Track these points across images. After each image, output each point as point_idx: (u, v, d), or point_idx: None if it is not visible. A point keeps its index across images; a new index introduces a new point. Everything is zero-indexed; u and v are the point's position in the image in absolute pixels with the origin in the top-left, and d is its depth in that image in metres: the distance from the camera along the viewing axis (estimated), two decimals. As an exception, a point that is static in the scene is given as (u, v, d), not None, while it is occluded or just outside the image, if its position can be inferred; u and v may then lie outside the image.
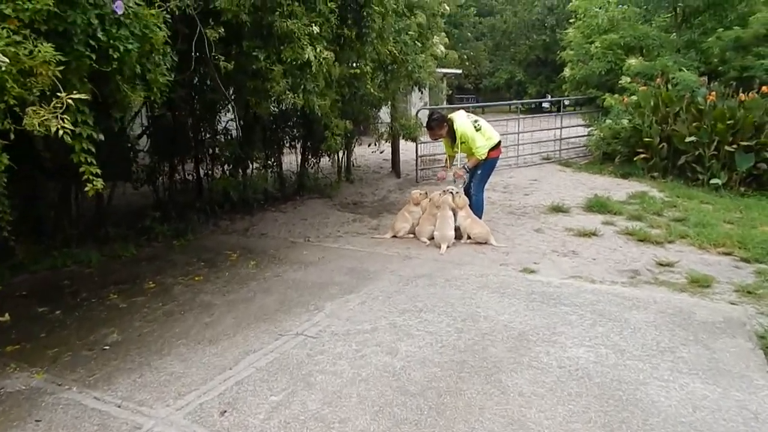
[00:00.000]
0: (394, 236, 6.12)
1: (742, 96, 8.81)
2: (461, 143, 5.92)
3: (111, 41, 3.06)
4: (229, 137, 7.09)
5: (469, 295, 4.29)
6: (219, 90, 5.02)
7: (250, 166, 7.51)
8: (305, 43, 4.58)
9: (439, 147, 8.68)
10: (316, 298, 4.32)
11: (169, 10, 3.63)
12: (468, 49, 32.90)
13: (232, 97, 5.53)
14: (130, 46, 3.13)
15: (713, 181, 8.63)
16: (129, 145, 6.21)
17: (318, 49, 4.69)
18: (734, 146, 8.56)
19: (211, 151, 6.95)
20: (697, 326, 3.69)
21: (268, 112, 5.26)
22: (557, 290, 4.37)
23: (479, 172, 6.07)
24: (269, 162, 7.82)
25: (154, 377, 3.20)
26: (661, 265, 4.97)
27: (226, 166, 7.09)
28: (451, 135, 5.98)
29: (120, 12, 3.04)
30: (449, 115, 6.05)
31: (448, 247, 5.60)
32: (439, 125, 5.96)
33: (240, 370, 3.24)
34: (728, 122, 8.60)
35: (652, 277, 4.71)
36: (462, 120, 5.93)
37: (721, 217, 6.66)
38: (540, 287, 4.45)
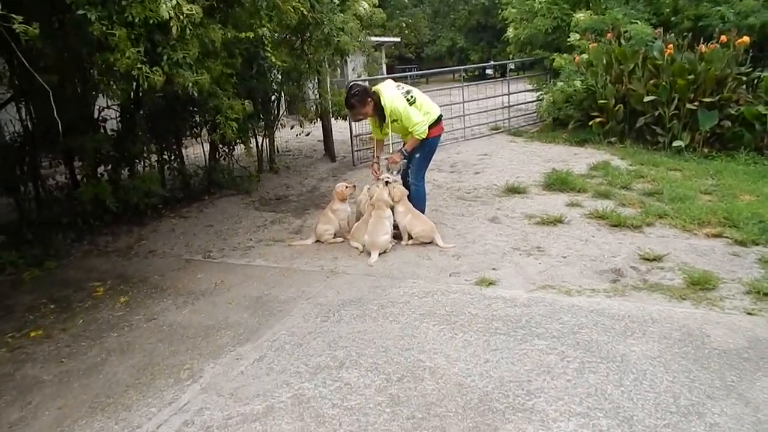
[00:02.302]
0: (318, 241, 4.90)
1: (702, 47, 7.96)
2: (392, 122, 4.64)
3: None
4: (104, 130, 5.60)
5: (410, 332, 3.14)
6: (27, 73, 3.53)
7: (139, 163, 6.03)
8: (159, -6, 3.22)
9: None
10: (196, 355, 3.06)
11: None
12: (406, 16, 31.47)
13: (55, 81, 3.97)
14: None
15: (675, 143, 7.83)
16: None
17: (175, 3, 3.31)
18: (696, 103, 7.75)
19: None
20: (719, 359, 2.68)
21: (123, 97, 3.86)
22: (525, 312, 3.28)
23: (417, 156, 4.80)
24: (165, 157, 6.35)
25: None
26: (647, 260, 3.98)
27: (102, 167, 5.59)
28: (379, 112, 4.63)
29: None
30: (374, 87, 4.75)
31: (382, 254, 4.44)
32: (362, 101, 4.53)
33: None
34: (689, 77, 7.76)
35: (639, 278, 3.71)
36: (391, 92, 4.61)
37: (695, 187, 5.80)
38: (502, 308, 3.35)
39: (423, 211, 4.84)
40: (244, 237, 5.27)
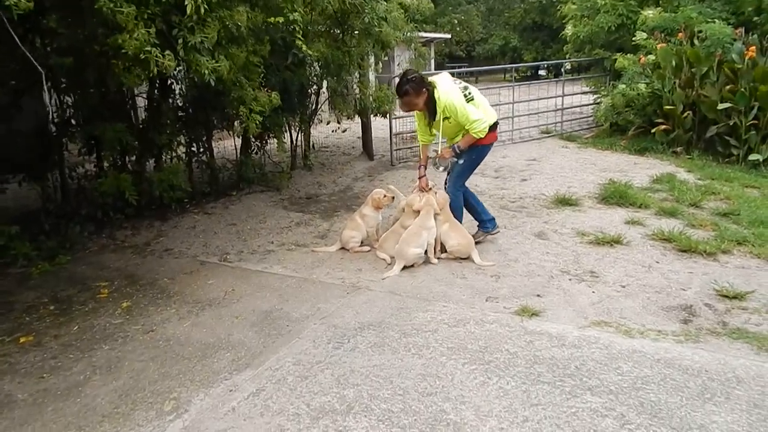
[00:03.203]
0: (343, 248, 4.47)
1: (790, 50, 7.06)
2: (444, 119, 4.05)
3: None
4: (134, 118, 5.35)
5: (434, 370, 2.65)
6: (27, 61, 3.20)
7: (166, 155, 5.76)
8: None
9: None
10: (187, 381, 2.68)
11: None
12: (459, 13, 30.67)
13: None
14: None
15: (752, 156, 6.98)
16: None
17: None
18: (779, 113, 6.88)
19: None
20: (832, 444, 2.07)
21: (135, 83, 3.54)
22: (575, 355, 2.73)
23: (462, 161, 4.26)
24: (193, 150, 6.07)
25: None
26: (726, 296, 3.34)
27: (126, 158, 5.34)
28: (430, 107, 4.05)
29: None
30: (429, 79, 4.15)
31: (407, 267, 3.96)
32: (417, 90, 3.96)
33: None
34: (773, 83, 6.89)
35: (716, 320, 3.08)
36: (447, 86, 4.01)
37: (780, 209, 5.03)
38: (547, 348, 2.81)
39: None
40: (265, 239, 4.89)
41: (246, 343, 3.03)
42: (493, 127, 4.19)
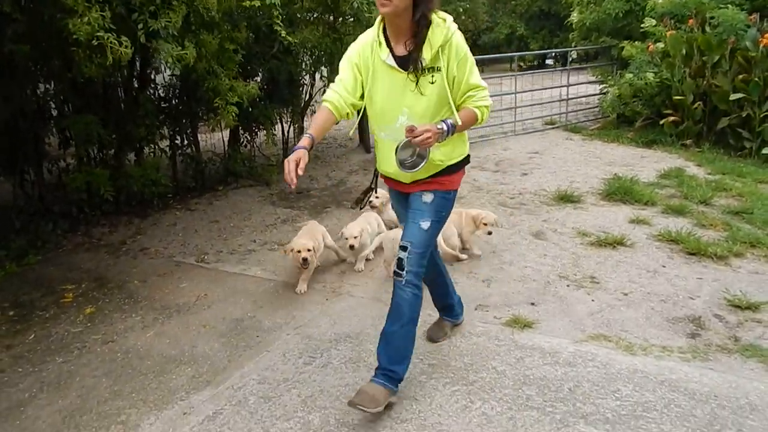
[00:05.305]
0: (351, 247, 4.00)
1: (808, 37, 6.68)
2: (431, 72, 2.17)
3: None
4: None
5: (412, 392, 2.39)
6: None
7: (148, 149, 5.50)
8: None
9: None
10: (139, 402, 2.43)
11: None
12: (464, 1, 30.11)
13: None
14: None
15: (766, 150, 6.64)
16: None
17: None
18: (796, 104, 6.53)
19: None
20: None
21: (97, 73, 3.26)
22: (569, 375, 2.46)
23: (428, 219, 2.33)
24: (177, 142, 5.80)
25: None
26: (738, 307, 3.05)
27: (101, 152, 5.08)
28: (418, 39, 2.13)
29: None
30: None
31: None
32: None
33: None
34: (789, 73, 6.53)
35: (728, 334, 2.80)
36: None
37: (795, 206, 4.71)
38: (539, 366, 2.54)
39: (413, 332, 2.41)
40: (248, 237, 4.64)
41: (210, 357, 2.78)
42: (464, 162, 2.46)
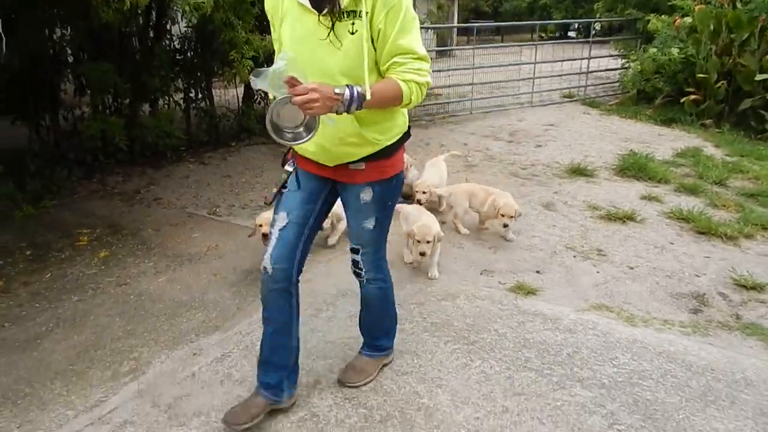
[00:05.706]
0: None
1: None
2: (349, 17, 1.61)
3: None
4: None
5: (413, 347, 2.46)
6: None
7: (162, 101, 5.50)
8: None
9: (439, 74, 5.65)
10: (151, 341, 2.52)
11: None
12: (488, -33, 29.23)
13: None
14: None
15: (788, 134, 6.52)
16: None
17: None
18: (824, 88, 6.36)
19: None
20: None
21: (114, 18, 3.23)
22: (569, 341, 2.51)
23: (376, 213, 1.94)
24: (191, 96, 5.80)
25: None
26: (743, 286, 3.06)
27: (116, 101, 5.09)
28: None
29: None
30: None
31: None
32: None
33: None
34: (820, 55, 6.34)
35: (730, 312, 2.82)
36: None
37: (812, 193, 4.65)
38: (539, 331, 2.59)
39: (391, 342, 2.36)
40: (258, 192, 4.69)
41: (220, 304, 2.86)
42: (404, 138, 1.93)
